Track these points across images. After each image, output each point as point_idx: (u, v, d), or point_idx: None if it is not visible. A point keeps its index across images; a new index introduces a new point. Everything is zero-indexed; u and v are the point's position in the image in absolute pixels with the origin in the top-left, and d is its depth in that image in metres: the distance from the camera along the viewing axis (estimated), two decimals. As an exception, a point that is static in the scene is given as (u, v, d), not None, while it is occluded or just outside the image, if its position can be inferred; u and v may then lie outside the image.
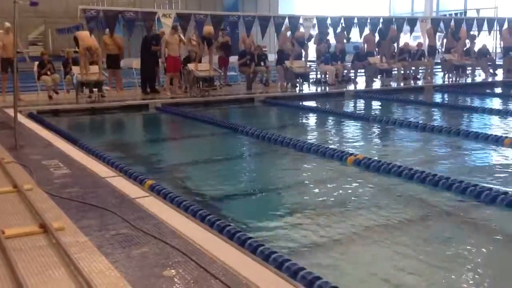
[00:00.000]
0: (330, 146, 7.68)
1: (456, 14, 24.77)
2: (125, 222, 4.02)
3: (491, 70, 18.24)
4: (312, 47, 16.69)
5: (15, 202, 4.54)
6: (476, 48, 17.78)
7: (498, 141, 7.83)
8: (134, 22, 13.00)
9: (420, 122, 9.70)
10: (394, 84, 16.09)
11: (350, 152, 7.16)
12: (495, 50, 19.48)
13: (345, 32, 15.96)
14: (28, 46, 25.88)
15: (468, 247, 4.27)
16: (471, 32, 17.39)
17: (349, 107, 13.23)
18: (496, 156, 7.33)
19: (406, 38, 17.73)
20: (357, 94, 14.53)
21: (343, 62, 16.38)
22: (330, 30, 15.86)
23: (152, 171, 6.77)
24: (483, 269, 3.87)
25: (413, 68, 17.37)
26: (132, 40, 19.01)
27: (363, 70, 16.63)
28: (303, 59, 15.12)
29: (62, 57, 15.44)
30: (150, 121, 11.70)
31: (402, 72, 16.91)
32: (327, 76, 15.87)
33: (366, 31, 16.02)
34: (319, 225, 4.70)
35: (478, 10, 19.71)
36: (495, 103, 13.16)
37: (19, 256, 3.38)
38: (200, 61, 13.54)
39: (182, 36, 13.74)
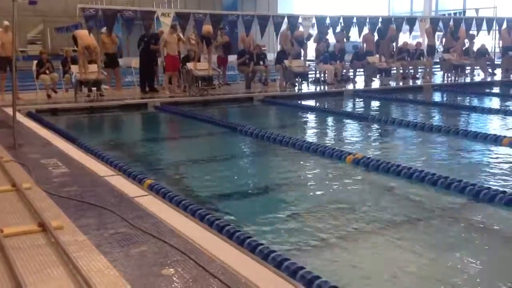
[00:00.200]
0: (329, 145, 7.68)
1: (455, 13, 24.76)
2: (124, 221, 4.02)
3: (490, 70, 18.26)
4: (311, 47, 16.69)
5: (13, 201, 4.53)
6: (475, 48, 17.80)
7: (496, 140, 7.84)
8: (133, 21, 13.02)
9: (419, 121, 9.71)
10: (393, 84, 16.10)
11: (349, 151, 7.16)
12: (494, 50, 19.50)
13: (344, 32, 15.96)
14: (27, 45, 25.88)
15: (467, 247, 4.28)
16: (470, 32, 17.40)
17: (348, 106, 13.24)
18: (495, 156, 7.33)
19: (405, 38, 17.74)
20: (356, 94, 14.53)
21: (342, 61, 16.38)
22: (330, 30, 15.84)
23: (151, 170, 6.76)
24: (483, 268, 3.87)
25: (412, 67, 17.38)
26: (131, 39, 18.99)
27: (362, 70, 16.64)
28: (302, 58, 15.12)
29: (61, 56, 15.46)
30: (149, 120, 11.69)
31: (401, 71, 16.93)
32: (326, 75, 15.88)
33: (365, 30, 16.03)
34: (317, 224, 4.70)
35: (477, 10, 19.68)
36: (494, 103, 13.18)
37: (17, 254, 3.38)
38: (199, 60, 13.54)
39: (181, 35, 13.74)
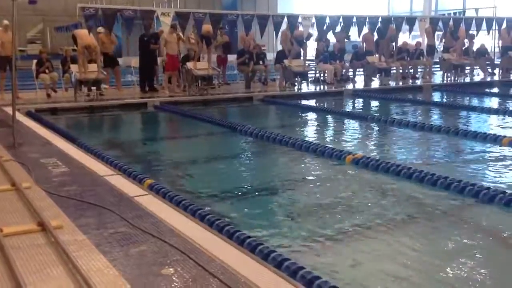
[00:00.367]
0: (329, 145, 7.68)
1: (455, 13, 24.78)
2: (124, 220, 4.02)
3: (489, 70, 18.27)
4: (311, 46, 16.69)
5: (13, 200, 4.53)
6: (474, 48, 17.80)
7: (496, 140, 7.84)
8: (133, 21, 13.01)
9: (418, 121, 9.71)
10: (392, 83, 16.10)
11: (348, 151, 7.16)
12: (494, 50, 19.50)
13: (345, 31, 15.96)
14: (27, 44, 25.86)
15: (466, 247, 4.28)
16: (470, 32, 17.40)
17: (347, 106, 13.23)
18: (495, 156, 7.33)
19: (405, 37, 17.74)
20: (355, 93, 14.54)
21: (342, 61, 16.39)
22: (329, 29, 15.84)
23: (151, 169, 6.76)
24: (482, 268, 3.87)
25: (412, 67, 17.38)
26: (131, 39, 18.99)
27: (361, 69, 16.63)
28: (302, 58, 15.11)
29: (61, 55, 15.44)
30: (148, 120, 11.68)
31: (400, 71, 16.92)
32: (326, 75, 15.88)
33: (365, 30, 16.02)
34: (317, 224, 4.70)
35: (477, 10, 19.69)
36: (494, 103, 13.18)
37: (17, 254, 3.38)
38: (198, 60, 13.53)
39: (181, 34, 13.73)
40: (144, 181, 5.52)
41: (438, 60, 18.37)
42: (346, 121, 10.69)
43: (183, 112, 11.24)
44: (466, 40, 17.42)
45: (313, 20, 14.87)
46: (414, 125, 9.29)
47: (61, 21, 24.51)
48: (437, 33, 17.92)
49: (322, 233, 4.47)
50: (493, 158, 7.19)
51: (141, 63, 13.83)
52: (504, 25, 17.96)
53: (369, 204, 5.24)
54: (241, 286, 2.98)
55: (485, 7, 21.70)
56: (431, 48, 17.56)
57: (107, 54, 13.28)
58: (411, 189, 5.72)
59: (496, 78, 17.77)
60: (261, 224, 4.73)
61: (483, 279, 3.71)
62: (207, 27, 13.39)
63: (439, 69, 18.40)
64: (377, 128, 9.77)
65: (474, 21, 17.46)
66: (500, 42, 18.50)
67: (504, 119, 10.32)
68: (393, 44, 16.54)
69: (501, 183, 5.90)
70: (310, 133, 9.96)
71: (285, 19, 14.50)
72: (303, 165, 7.10)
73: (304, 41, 15.00)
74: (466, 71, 17.52)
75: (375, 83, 16.04)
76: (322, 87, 15.46)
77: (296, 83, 14.65)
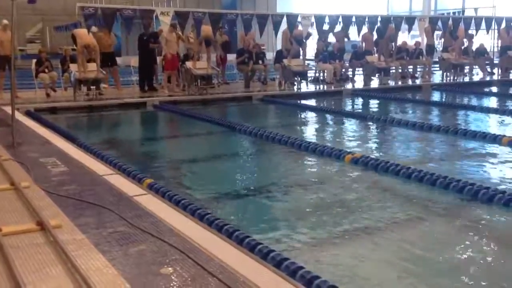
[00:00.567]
0: (328, 145, 7.67)
1: (454, 13, 24.81)
2: (123, 220, 4.01)
3: (488, 69, 18.28)
4: (310, 46, 16.68)
5: (12, 199, 4.53)
6: (474, 47, 17.81)
7: (495, 139, 7.84)
8: (132, 20, 12.99)
9: (418, 120, 9.70)
10: (392, 83, 16.11)
11: (347, 150, 7.16)
12: (493, 49, 19.50)
13: (344, 31, 15.95)
14: (26, 43, 25.82)
15: (465, 246, 4.28)
16: (469, 31, 17.40)
17: (347, 105, 13.23)
18: (494, 155, 7.33)
19: (404, 37, 17.75)
20: (355, 93, 14.53)
21: (341, 60, 16.39)
22: (327, 27, 15.80)
23: (150, 169, 6.75)
24: (482, 267, 3.87)
25: (411, 66, 17.38)
26: (130, 38, 18.96)
27: (361, 69, 16.63)
28: (301, 57, 15.11)
29: (60, 55, 15.44)
30: (148, 119, 11.68)
31: (400, 70, 16.92)
32: (325, 74, 15.87)
33: (364, 29, 16.01)
34: (317, 224, 4.71)
35: (476, 9, 19.71)
36: (493, 102, 13.19)
37: (16, 253, 3.38)
38: (198, 59, 13.53)
39: (181, 33, 13.71)
40: (143, 180, 5.52)
41: (437, 60, 18.38)
42: (345, 120, 10.69)
43: (183, 111, 11.24)
44: (465, 40, 17.42)
45: (313, 20, 14.86)
46: (413, 124, 9.29)
47: (60, 20, 24.47)
48: (436, 32, 17.92)
49: (321, 232, 4.48)
50: (493, 158, 7.19)
51: (140, 62, 13.83)
52: (503, 25, 17.96)
53: (368, 204, 5.24)
54: (240, 285, 2.98)
55: (484, 7, 21.72)
56: (431, 48, 17.56)
57: (104, 53, 13.27)
58: (410, 188, 5.72)
59: (495, 77, 17.77)
60: (260, 224, 4.74)
61: (483, 279, 3.71)
62: (206, 30, 13.36)
63: (438, 68, 18.40)
64: (376, 128, 9.78)
65: (473, 21, 17.46)
66: (499, 41, 18.50)
67: (503, 118, 10.33)
68: (393, 43, 16.53)
69: (500, 182, 5.90)
70: (309, 132, 9.96)
71: (285, 19, 14.49)
72: (302, 165, 7.10)
73: (304, 40, 15.00)
74: (465, 71, 17.53)
75: (375, 83, 16.04)
76: (321, 86, 15.46)
77: (295, 83, 14.64)
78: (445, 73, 17.37)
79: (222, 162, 7.46)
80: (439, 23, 17.25)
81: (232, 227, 4.21)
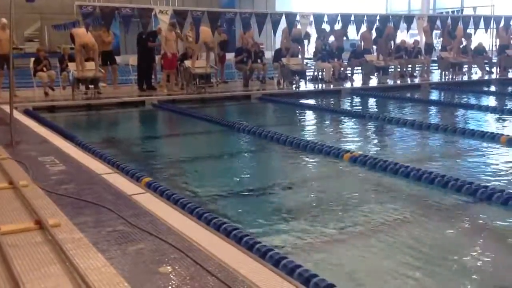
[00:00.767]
0: (327, 143, 7.67)
1: (453, 12, 24.81)
2: (121, 218, 4.01)
3: (487, 68, 18.29)
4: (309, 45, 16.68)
5: (10, 198, 4.52)
6: (472, 46, 17.82)
7: (494, 138, 7.85)
8: (130, 19, 12.99)
9: (416, 119, 9.71)
10: (390, 82, 16.12)
11: (346, 149, 7.17)
12: (492, 48, 19.51)
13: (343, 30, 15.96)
14: (24, 42, 25.77)
15: (465, 245, 4.29)
16: (468, 30, 17.42)
17: (345, 104, 13.23)
18: (492, 154, 7.34)
19: (403, 36, 17.75)
20: (353, 92, 14.53)
21: (340, 59, 16.39)
22: (328, 28, 15.81)
23: (148, 167, 6.75)
24: (481, 267, 3.88)
25: (410, 65, 17.40)
26: (129, 37, 18.93)
27: (359, 68, 16.63)
28: (300, 56, 15.10)
29: (58, 54, 15.40)
30: (146, 118, 11.68)
31: (398, 69, 16.93)
32: (324, 73, 15.87)
33: (363, 28, 16.03)
34: (315, 222, 4.71)
35: (474, 8, 19.75)
36: (491, 101, 13.20)
37: (14, 252, 3.37)
38: (197, 58, 13.52)
39: (179, 32, 13.69)
40: (141, 179, 5.52)
41: (436, 59, 18.39)
42: (344, 119, 10.69)
43: (181, 110, 11.23)
44: (463, 39, 17.43)
45: (311, 18, 14.86)
46: (412, 123, 9.29)
47: (58, 19, 24.42)
48: (435, 31, 17.92)
49: (319, 231, 4.48)
50: (491, 157, 7.20)
51: (139, 61, 13.81)
52: (501, 24, 17.99)
53: (367, 202, 5.24)
54: (239, 284, 2.98)
55: (483, 6, 21.74)
56: (429, 47, 17.58)
57: (104, 51, 13.27)
58: (409, 187, 5.72)
59: (493, 76, 17.79)
60: (259, 222, 4.74)
61: (483, 278, 3.72)
62: (206, 33, 13.31)
63: (437, 67, 18.42)
64: (374, 126, 9.78)
65: (472, 20, 17.48)
66: (498, 40, 18.51)
67: (502, 117, 10.34)
68: (391, 42, 16.55)
69: (499, 181, 5.90)
70: (308, 131, 9.95)
71: (283, 18, 14.48)
72: (300, 163, 7.10)
73: (302, 39, 14.99)
74: (464, 70, 17.55)
75: (373, 82, 16.05)
76: (320, 85, 15.46)
77: (294, 82, 14.64)
78: (443, 72, 17.39)
79: (220, 161, 7.46)
80: (438, 22, 17.27)
81: (230, 226, 4.21)
